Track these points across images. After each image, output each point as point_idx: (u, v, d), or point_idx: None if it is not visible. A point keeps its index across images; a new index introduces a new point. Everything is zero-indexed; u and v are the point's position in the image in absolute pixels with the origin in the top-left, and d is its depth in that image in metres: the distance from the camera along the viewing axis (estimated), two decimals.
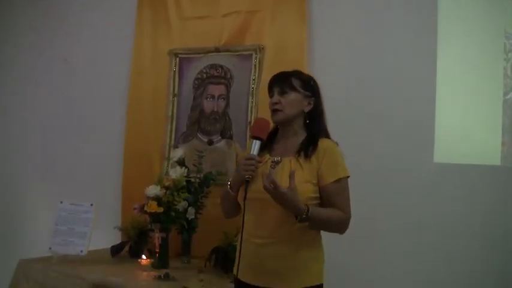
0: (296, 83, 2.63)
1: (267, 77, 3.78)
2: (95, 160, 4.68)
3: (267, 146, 2.65)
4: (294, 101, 2.61)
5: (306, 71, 3.65)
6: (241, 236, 2.55)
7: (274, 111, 2.61)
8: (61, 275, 3.41)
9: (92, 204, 3.76)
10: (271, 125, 2.67)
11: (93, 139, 4.72)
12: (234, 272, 2.61)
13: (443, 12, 3.51)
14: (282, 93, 2.60)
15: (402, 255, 3.48)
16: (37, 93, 5.12)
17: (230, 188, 2.64)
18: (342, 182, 2.53)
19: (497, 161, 3.41)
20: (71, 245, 3.66)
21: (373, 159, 3.57)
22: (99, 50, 4.76)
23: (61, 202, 3.79)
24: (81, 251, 3.63)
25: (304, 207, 2.39)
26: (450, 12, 3.54)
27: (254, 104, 3.96)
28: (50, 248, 3.67)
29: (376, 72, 3.65)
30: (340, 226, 2.55)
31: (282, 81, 2.63)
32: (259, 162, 2.54)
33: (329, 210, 2.50)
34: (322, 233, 2.60)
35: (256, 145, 2.54)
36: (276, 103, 2.60)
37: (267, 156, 2.62)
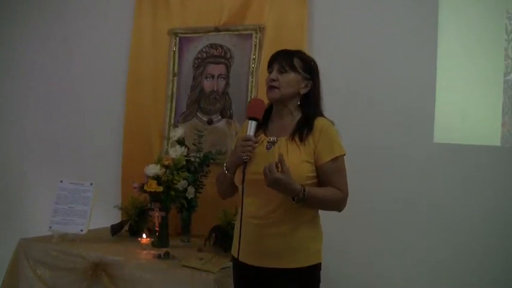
0: (297, 63, 2.61)
1: (267, 56, 3.78)
2: (94, 139, 4.68)
3: (261, 125, 2.64)
4: (292, 81, 2.58)
5: (305, 50, 3.64)
6: (241, 218, 2.55)
7: (270, 88, 2.59)
8: (61, 254, 3.44)
9: (91, 184, 3.77)
10: (266, 105, 2.67)
11: (93, 118, 4.72)
12: (233, 253, 2.64)
13: None
14: (282, 71, 2.58)
15: (401, 236, 3.50)
16: (36, 74, 5.10)
17: (226, 169, 2.63)
18: (339, 160, 2.54)
19: (497, 142, 3.41)
20: (71, 224, 3.67)
21: (373, 139, 3.57)
22: (98, 30, 4.74)
23: (61, 181, 3.79)
24: (81, 230, 3.64)
25: (299, 188, 2.39)
26: None
27: (254, 83, 3.95)
28: (50, 227, 3.68)
29: (376, 52, 3.64)
30: (337, 204, 2.56)
31: (283, 59, 2.61)
32: (256, 143, 2.54)
33: (325, 189, 2.51)
34: (322, 212, 2.61)
35: (252, 125, 2.54)
36: (274, 80, 2.57)
37: (263, 136, 2.61)
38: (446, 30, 3.49)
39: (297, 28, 3.82)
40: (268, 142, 2.58)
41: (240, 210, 2.58)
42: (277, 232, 2.49)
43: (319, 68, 2.69)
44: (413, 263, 3.46)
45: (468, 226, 3.35)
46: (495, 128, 3.42)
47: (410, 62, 3.54)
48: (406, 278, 3.46)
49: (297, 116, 2.62)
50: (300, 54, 2.66)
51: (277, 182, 2.35)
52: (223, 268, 3.01)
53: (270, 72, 2.63)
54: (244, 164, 2.49)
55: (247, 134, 2.53)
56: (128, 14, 4.50)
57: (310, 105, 2.62)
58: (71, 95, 4.87)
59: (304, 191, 2.39)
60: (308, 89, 2.62)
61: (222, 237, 3.43)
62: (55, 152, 4.92)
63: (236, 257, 2.57)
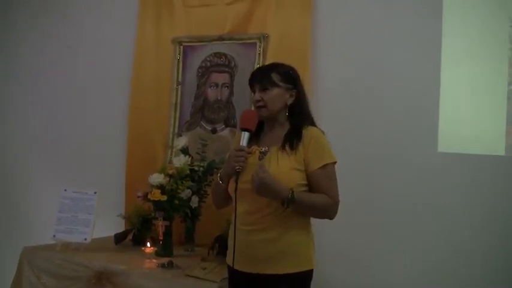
0: (276, 77, 2.65)
1: None
2: (98, 148, 4.67)
3: (254, 137, 2.69)
4: (276, 96, 2.64)
5: (309, 59, 3.66)
6: (234, 226, 2.59)
7: (258, 108, 2.65)
8: (65, 263, 3.42)
9: (95, 192, 3.76)
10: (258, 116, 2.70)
11: (97, 127, 4.72)
12: (228, 261, 2.69)
13: (448, 0, 3.50)
14: (263, 89, 2.64)
15: (402, 241, 3.51)
16: (40, 81, 5.10)
17: (220, 179, 2.68)
18: (329, 168, 2.57)
19: (501, 151, 3.40)
20: (74, 232, 3.66)
21: (377, 148, 3.57)
22: (102, 37, 4.75)
23: (65, 190, 3.79)
24: (85, 239, 3.64)
25: (288, 190, 2.44)
26: (455, 1, 3.52)
27: None
28: (53, 236, 3.68)
29: (381, 60, 3.64)
30: (327, 211, 2.57)
31: (261, 78, 2.66)
32: (249, 153, 2.59)
33: (315, 195, 2.54)
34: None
35: (245, 136, 2.59)
36: (259, 100, 2.63)
37: (255, 147, 2.66)
38: (450, 39, 3.49)
39: (301, 36, 3.83)
40: (260, 153, 2.63)
41: (233, 219, 2.62)
42: (267, 238, 2.53)
43: (298, 74, 2.73)
44: (412, 264, 3.46)
45: (470, 233, 3.35)
46: (499, 137, 3.41)
47: (414, 71, 3.55)
48: (405, 279, 3.45)
49: (287, 126, 2.68)
50: (276, 68, 2.71)
51: (262, 181, 2.42)
52: (226, 278, 3.00)
53: (253, 92, 2.69)
54: (237, 174, 2.53)
55: (240, 144, 2.58)
56: (132, 22, 4.52)
57: (298, 114, 2.68)
58: (74, 103, 4.88)
59: (293, 193, 2.44)
60: (293, 98, 2.68)
61: (225, 247, 3.41)
62: (58, 159, 4.92)
63: (230, 264, 2.65)
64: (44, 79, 5.09)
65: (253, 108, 2.73)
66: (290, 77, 2.69)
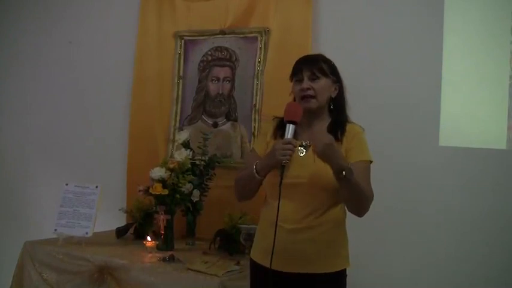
0: (325, 67, 2.58)
1: (272, 59, 3.82)
2: (100, 142, 4.68)
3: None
4: (325, 87, 2.57)
5: (310, 53, 3.65)
6: (276, 223, 2.40)
7: (305, 98, 2.55)
8: (66, 257, 3.43)
9: (97, 186, 3.76)
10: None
11: (98, 121, 4.73)
12: (258, 259, 2.61)
13: None
14: (313, 78, 2.55)
15: (403, 237, 3.50)
16: (42, 75, 5.11)
17: (257, 172, 2.53)
18: (367, 165, 2.54)
19: (503, 145, 3.40)
20: (76, 226, 3.66)
21: (378, 142, 3.52)
22: (104, 32, 4.75)
23: (66, 184, 3.80)
24: (87, 233, 3.64)
25: (347, 162, 2.38)
26: None
27: (259, 86, 3.95)
28: (55, 230, 3.68)
29: (382, 55, 3.63)
30: (367, 201, 2.49)
31: (312, 65, 2.57)
32: (295, 146, 2.45)
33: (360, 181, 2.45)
34: None
35: (290, 129, 2.45)
36: (308, 89, 2.54)
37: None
38: (451, 33, 3.48)
39: (302, 31, 3.82)
40: (301, 146, 2.52)
41: (266, 214, 2.59)
42: (311, 237, 2.47)
43: None
44: (412, 263, 3.46)
45: (471, 227, 3.34)
46: (501, 131, 3.41)
47: (415, 65, 3.54)
48: (405, 278, 3.45)
49: (327, 120, 2.62)
50: (323, 58, 2.65)
51: (330, 142, 2.32)
52: (228, 272, 3.01)
53: (297, 81, 2.59)
54: (283, 167, 2.41)
55: (286, 137, 2.45)
56: (133, 16, 4.51)
57: (339, 109, 2.63)
58: (76, 97, 4.88)
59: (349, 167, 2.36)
60: (337, 91, 2.63)
61: (227, 241, 3.43)
62: (60, 154, 4.93)
63: (265, 264, 2.48)
64: (45, 74, 5.09)
65: (296, 99, 2.60)
66: (335, 69, 2.64)
